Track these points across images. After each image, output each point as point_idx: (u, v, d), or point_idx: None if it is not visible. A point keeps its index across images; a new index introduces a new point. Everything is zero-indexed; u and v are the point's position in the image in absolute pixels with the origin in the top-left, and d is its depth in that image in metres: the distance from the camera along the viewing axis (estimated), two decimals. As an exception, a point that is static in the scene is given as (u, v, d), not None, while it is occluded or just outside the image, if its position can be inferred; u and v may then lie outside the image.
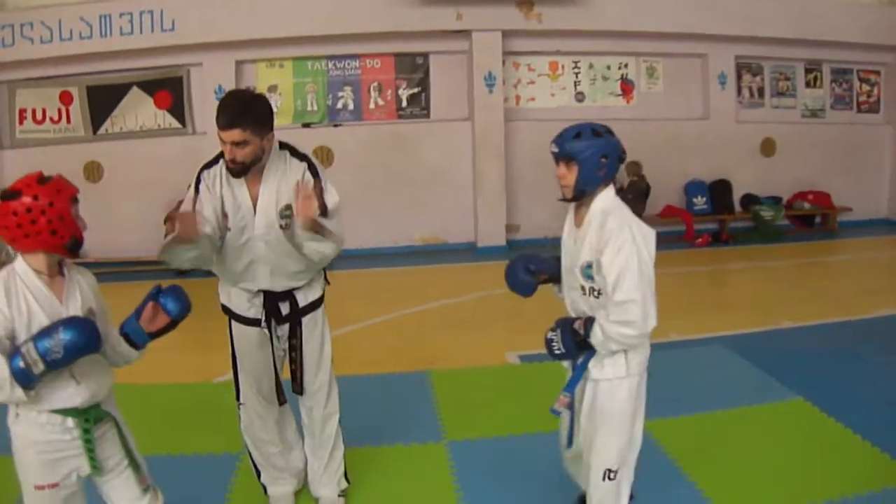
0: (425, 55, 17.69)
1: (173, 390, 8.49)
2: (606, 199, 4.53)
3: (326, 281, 5.87)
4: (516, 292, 5.02)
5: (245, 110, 4.99)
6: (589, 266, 4.47)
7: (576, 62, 18.14)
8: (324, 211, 5.20)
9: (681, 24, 17.34)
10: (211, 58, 16.93)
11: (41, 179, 3.91)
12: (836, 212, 18.98)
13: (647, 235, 4.41)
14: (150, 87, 17.34)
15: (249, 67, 17.35)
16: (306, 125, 17.47)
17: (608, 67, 18.34)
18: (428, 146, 17.55)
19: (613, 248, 4.31)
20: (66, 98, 17.09)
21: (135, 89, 17.29)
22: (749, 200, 18.39)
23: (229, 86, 16.61)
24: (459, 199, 17.24)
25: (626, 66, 18.41)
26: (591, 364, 4.61)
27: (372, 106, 17.72)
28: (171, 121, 17.43)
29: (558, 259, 4.87)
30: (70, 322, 3.87)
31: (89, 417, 4.10)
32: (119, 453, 4.29)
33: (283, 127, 17.28)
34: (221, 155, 5.23)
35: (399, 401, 8.04)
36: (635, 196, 16.38)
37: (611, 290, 4.33)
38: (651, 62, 18.48)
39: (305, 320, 5.65)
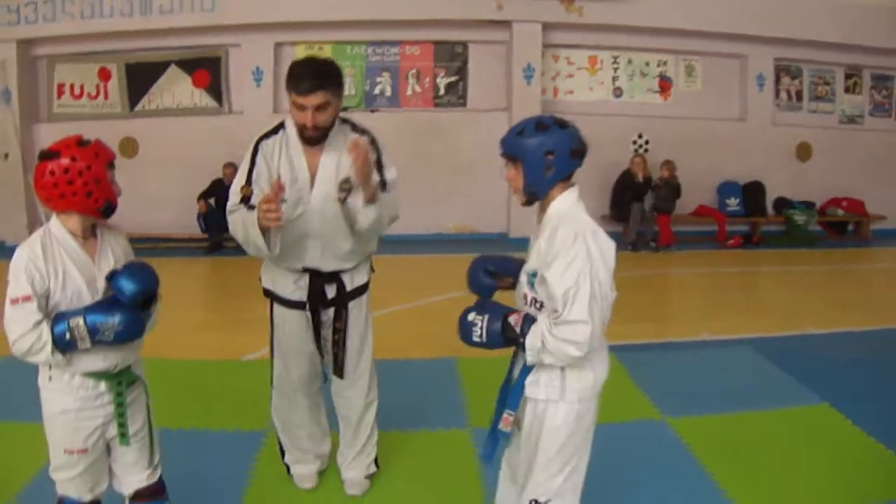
0: (464, 44, 17.73)
1: (203, 367, 8.51)
2: (563, 203, 4.03)
3: (372, 269, 5.87)
4: (476, 294, 4.55)
5: (327, 72, 4.97)
6: (534, 274, 4.03)
7: (615, 57, 18.11)
8: (382, 185, 5.23)
9: (721, 24, 17.28)
10: (250, 39, 17.03)
11: (80, 142, 3.95)
12: (869, 220, 18.85)
13: (604, 249, 3.88)
14: (189, 66, 17.45)
15: (288, 50, 17.37)
16: (343, 110, 17.31)
17: (647, 64, 18.31)
18: (464, 135, 17.58)
19: (563, 263, 3.81)
20: (104, 74, 17.20)
21: (173, 67, 17.41)
22: (782, 204, 18.27)
23: (267, 68, 16.86)
24: (493, 190, 17.18)
25: (664, 63, 18.36)
26: (527, 380, 4.09)
27: (409, 93, 17.79)
28: (207, 100, 17.54)
29: (521, 262, 4.36)
30: (125, 308, 3.93)
31: (122, 381, 4.13)
32: (141, 420, 4.31)
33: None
34: (280, 126, 5.24)
35: (426, 386, 8.05)
36: (666, 194, 16.35)
37: (560, 307, 3.80)
38: (690, 60, 18.41)
39: (351, 305, 5.59)
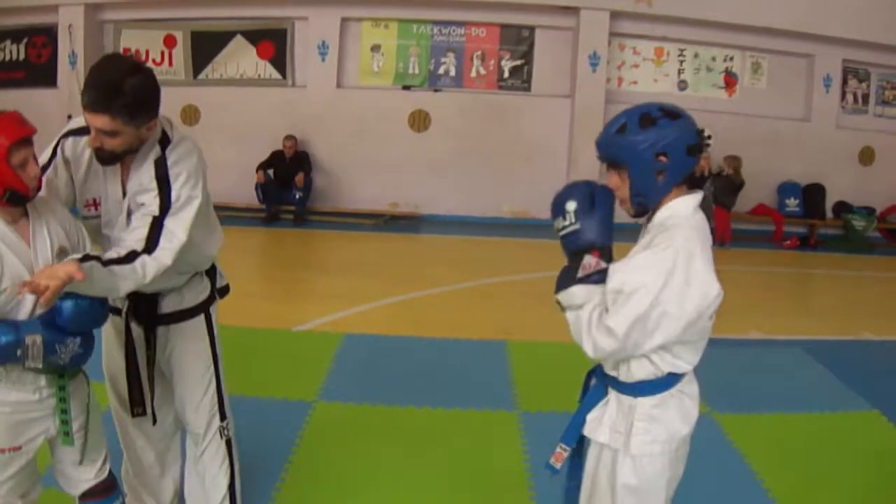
0: (531, 28, 17.70)
1: (254, 334, 8.57)
2: (675, 211, 3.24)
3: (218, 288, 4.71)
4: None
5: (120, 90, 3.65)
6: None
7: (681, 50, 17.99)
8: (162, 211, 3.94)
9: (791, 22, 17.11)
10: (317, 13, 17.18)
11: None
12: (930, 228, 18.48)
13: (693, 284, 3.08)
14: (254, 36, 17.59)
15: (354, 25, 17.51)
16: (406, 87, 17.61)
17: (713, 58, 18.17)
18: (526, 119, 17.60)
19: (636, 263, 3.15)
20: (169, 41, 17.39)
21: (238, 38, 17.59)
22: (841, 208, 18.06)
23: (333, 42, 16.94)
24: (552, 176, 17.07)
25: (731, 59, 18.21)
26: (589, 415, 3.48)
27: (473, 74, 17.78)
28: (271, 71, 17.70)
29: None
30: (85, 334, 3.64)
31: (64, 374, 3.72)
32: (82, 414, 3.86)
33: (383, 87, 17.46)
34: None
35: (475, 366, 8.07)
36: (728, 190, 16.24)
37: (609, 304, 3.14)
38: (757, 57, 18.25)
39: (173, 329, 4.46)
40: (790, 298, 13.07)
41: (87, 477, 4.00)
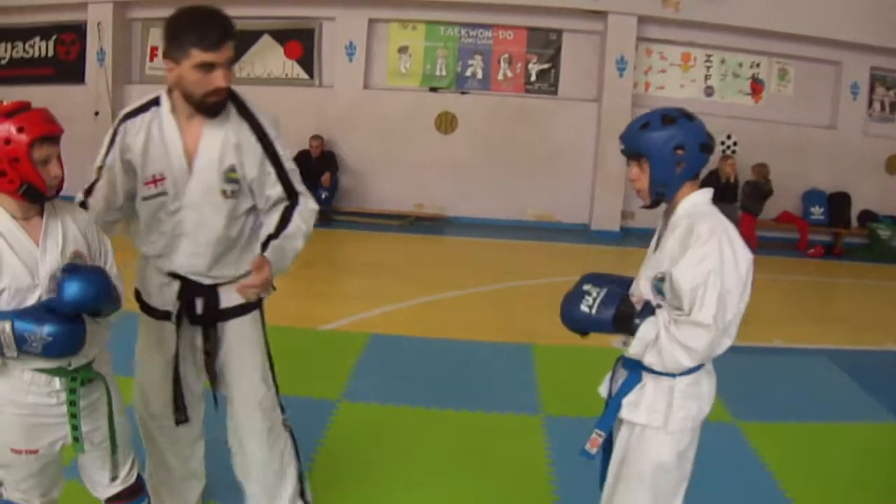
0: (559, 32, 17.70)
1: (279, 332, 8.56)
2: (696, 202, 3.62)
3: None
4: (570, 328, 3.71)
5: (227, 17, 3.95)
6: (662, 279, 3.54)
7: (708, 55, 17.95)
8: (290, 193, 4.26)
9: (819, 29, 17.01)
10: (345, 13, 17.26)
11: (11, 111, 3.34)
12: (957, 238, 18.32)
13: (739, 258, 3.43)
14: (282, 36, 17.71)
15: (382, 26, 17.60)
16: (433, 89, 17.66)
17: (740, 65, 18.11)
18: (552, 123, 17.60)
19: (694, 257, 3.39)
20: (197, 40, 17.45)
21: (266, 37, 17.70)
22: (867, 217, 17.95)
23: (360, 43, 17.03)
24: (577, 180, 17.23)
25: (758, 65, 18.14)
26: (625, 399, 3.66)
27: (500, 77, 17.81)
28: (298, 71, 17.80)
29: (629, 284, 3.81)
30: (59, 318, 3.43)
31: (76, 377, 3.62)
32: (105, 424, 3.81)
33: (410, 89, 17.58)
34: (153, 102, 4.21)
35: (499, 370, 8.08)
36: (756, 196, 16.17)
37: (687, 306, 3.39)
38: (784, 64, 18.17)
39: (230, 325, 4.49)
40: (814, 307, 13.01)
41: (112, 482, 3.98)
